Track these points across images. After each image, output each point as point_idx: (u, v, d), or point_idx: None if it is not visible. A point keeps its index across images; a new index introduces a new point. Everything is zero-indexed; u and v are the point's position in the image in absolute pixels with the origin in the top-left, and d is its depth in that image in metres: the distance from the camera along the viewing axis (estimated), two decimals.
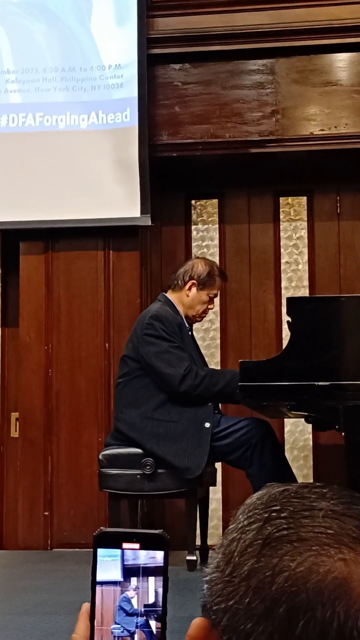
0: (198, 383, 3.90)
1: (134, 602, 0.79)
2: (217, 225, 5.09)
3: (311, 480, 4.37)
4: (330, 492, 0.69)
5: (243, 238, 5.06)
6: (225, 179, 5.10)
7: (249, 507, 0.70)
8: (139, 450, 3.92)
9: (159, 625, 0.78)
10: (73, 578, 3.73)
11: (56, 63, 4.86)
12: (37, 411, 4.73)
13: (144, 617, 0.78)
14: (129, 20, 4.80)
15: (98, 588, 0.79)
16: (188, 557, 3.83)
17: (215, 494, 4.70)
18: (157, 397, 3.95)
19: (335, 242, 4.99)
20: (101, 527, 0.81)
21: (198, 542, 4.04)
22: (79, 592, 3.20)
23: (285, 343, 3.89)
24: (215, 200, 5.11)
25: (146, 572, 0.79)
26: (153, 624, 0.78)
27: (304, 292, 4.97)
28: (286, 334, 4.28)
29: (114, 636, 0.79)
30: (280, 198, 5.07)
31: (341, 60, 4.74)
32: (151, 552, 0.79)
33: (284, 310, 4.23)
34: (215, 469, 4.24)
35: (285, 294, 4.86)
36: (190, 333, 4.20)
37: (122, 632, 0.79)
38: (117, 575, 0.79)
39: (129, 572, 0.79)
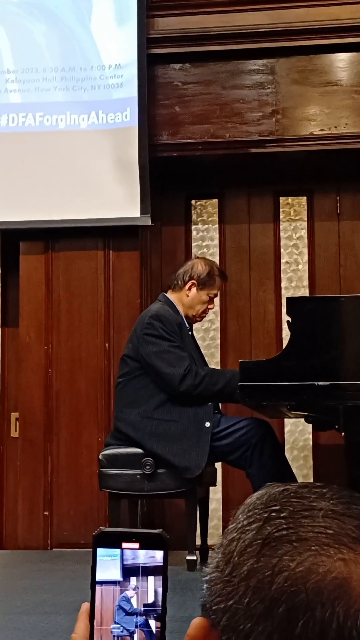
0: (198, 383, 3.90)
1: (134, 601, 0.79)
2: (217, 225, 5.09)
3: (311, 480, 4.37)
4: (330, 492, 0.69)
5: (243, 238, 5.06)
6: (225, 179, 5.10)
7: (248, 507, 0.70)
8: (138, 450, 3.92)
9: (159, 624, 0.78)
10: (73, 578, 3.73)
11: (56, 63, 4.86)
12: (37, 411, 4.73)
13: (144, 617, 0.78)
14: (129, 20, 4.80)
15: (98, 588, 0.79)
16: (188, 557, 3.83)
17: (215, 493, 4.70)
18: (157, 397, 3.95)
19: (335, 242, 4.99)
20: (101, 527, 0.81)
21: (198, 542, 4.04)
22: (79, 592, 3.20)
23: (285, 343, 3.88)
24: (215, 200, 5.11)
25: (146, 571, 0.79)
26: (152, 623, 0.78)
27: (304, 292, 4.97)
28: (286, 333, 4.28)
29: (114, 636, 0.79)
30: (280, 198, 5.07)
31: (341, 60, 4.74)
32: (150, 552, 0.79)
33: (284, 310, 4.23)
34: (215, 469, 4.24)
35: (285, 293, 4.86)
36: (190, 333, 4.20)
37: (122, 631, 0.79)
38: (117, 575, 0.79)
39: (129, 571, 0.79)
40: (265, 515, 0.67)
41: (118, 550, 0.79)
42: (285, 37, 4.72)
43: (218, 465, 4.30)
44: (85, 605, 0.80)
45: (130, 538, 0.79)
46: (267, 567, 0.64)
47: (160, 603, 0.78)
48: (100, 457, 3.99)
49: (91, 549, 0.80)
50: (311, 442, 4.86)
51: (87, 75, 4.82)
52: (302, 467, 4.83)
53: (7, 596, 3.49)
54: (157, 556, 0.79)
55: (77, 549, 4.50)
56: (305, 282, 4.99)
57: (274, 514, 0.67)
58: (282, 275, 5.01)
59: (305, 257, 5.01)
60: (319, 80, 4.74)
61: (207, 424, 3.87)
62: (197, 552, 3.94)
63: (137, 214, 4.66)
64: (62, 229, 4.75)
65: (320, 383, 3.37)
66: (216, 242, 5.08)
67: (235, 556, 0.67)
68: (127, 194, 4.67)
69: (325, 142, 4.73)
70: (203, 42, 4.78)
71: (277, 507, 0.68)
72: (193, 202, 5.13)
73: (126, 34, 4.80)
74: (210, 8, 4.77)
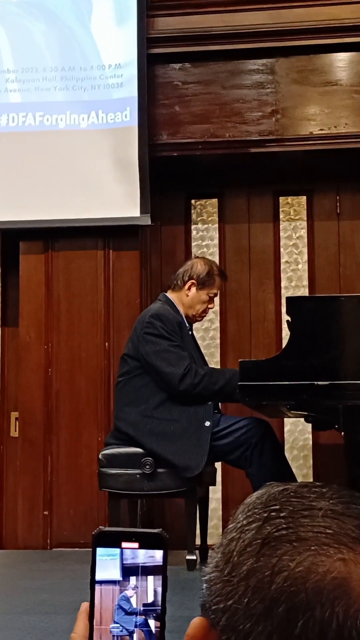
0: (198, 382, 3.90)
1: (133, 601, 0.79)
2: (217, 225, 5.09)
3: (311, 480, 4.37)
4: (330, 491, 0.69)
5: (243, 238, 5.06)
6: (225, 179, 5.10)
7: (248, 506, 0.70)
8: (138, 450, 3.92)
9: (158, 624, 0.78)
10: (72, 577, 3.73)
11: (56, 63, 4.86)
12: (37, 411, 4.73)
13: (143, 616, 0.78)
14: (128, 19, 4.80)
15: (97, 587, 0.79)
16: (187, 557, 3.83)
17: (215, 493, 4.70)
18: (157, 396, 3.95)
19: (335, 242, 4.99)
20: (100, 527, 0.81)
21: (198, 541, 4.04)
22: (79, 592, 3.20)
23: (285, 342, 3.88)
24: (215, 200, 5.11)
25: (145, 571, 0.79)
26: (152, 623, 0.78)
27: (304, 292, 4.97)
28: (286, 333, 4.28)
29: (113, 635, 0.79)
30: (280, 198, 5.07)
31: (341, 60, 4.74)
32: (150, 551, 0.79)
33: (283, 309, 4.23)
34: (215, 469, 4.24)
35: (285, 293, 4.86)
36: (190, 332, 4.21)
37: (121, 631, 0.79)
38: (116, 575, 0.79)
39: (128, 571, 0.79)
40: (265, 514, 0.67)
41: (117, 550, 0.79)
42: (285, 37, 4.72)
43: (218, 465, 4.30)
44: (85, 605, 0.80)
45: (129, 537, 0.79)
46: (266, 566, 0.64)
47: (159, 603, 0.78)
48: (100, 456, 3.99)
49: (91, 549, 0.80)
50: (311, 442, 4.86)
51: (87, 75, 4.82)
52: (301, 466, 4.83)
53: (7, 596, 3.49)
54: (157, 556, 0.79)
55: (76, 549, 4.49)
56: (305, 282, 5.00)
57: (273, 513, 0.67)
58: (281, 275, 5.01)
59: (305, 257, 5.01)
60: (319, 80, 4.74)
61: (207, 423, 3.87)
62: (197, 551, 3.94)
63: (137, 213, 4.66)
64: (62, 228, 4.75)
65: (320, 383, 3.38)
66: (216, 241, 5.08)
67: (234, 556, 0.67)
68: (127, 194, 4.67)
69: (325, 141, 4.73)
70: (203, 42, 4.78)
71: (277, 507, 0.68)
72: (193, 201, 5.13)
73: (126, 33, 4.80)
74: (210, 8, 4.77)
